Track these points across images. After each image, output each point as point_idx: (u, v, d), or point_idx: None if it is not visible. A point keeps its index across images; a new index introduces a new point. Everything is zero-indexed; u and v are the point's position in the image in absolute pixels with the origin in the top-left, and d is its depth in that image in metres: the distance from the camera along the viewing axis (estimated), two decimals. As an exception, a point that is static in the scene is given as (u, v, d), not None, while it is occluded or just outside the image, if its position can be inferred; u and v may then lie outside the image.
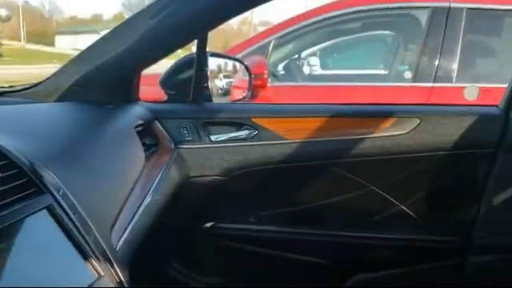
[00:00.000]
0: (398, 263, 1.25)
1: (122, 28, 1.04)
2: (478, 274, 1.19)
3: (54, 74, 1.07)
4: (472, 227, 1.20)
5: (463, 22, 2.48)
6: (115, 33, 1.04)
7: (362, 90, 2.66)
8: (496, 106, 1.21)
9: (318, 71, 3.44)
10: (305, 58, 3.45)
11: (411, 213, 1.24)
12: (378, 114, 1.24)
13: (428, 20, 2.56)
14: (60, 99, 1.03)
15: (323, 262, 1.27)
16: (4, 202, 0.55)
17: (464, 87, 2.36)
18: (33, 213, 0.57)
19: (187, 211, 1.27)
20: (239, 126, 1.26)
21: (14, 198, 0.56)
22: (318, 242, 1.28)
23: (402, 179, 1.22)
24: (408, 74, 2.64)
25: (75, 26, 37.68)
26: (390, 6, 2.83)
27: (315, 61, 3.55)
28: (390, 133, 1.21)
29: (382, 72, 3.11)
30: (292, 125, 1.25)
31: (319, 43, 3.42)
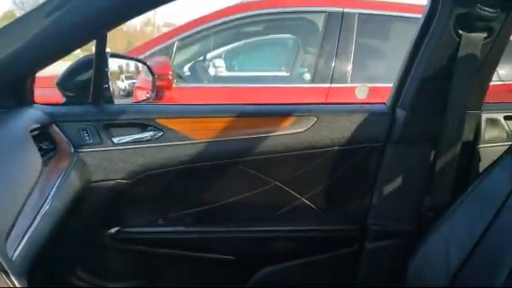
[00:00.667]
0: (301, 254, 1.32)
1: (14, 27, 0.98)
2: (373, 259, 1.30)
3: None
4: (366, 216, 1.30)
5: (356, 27, 2.66)
6: (6, 32, 0.97)
7: (265, 91, 2.74)
8: (384, 103, 1.33)
9: (224, 73, 3.48)
10: (210, 60, 3.47)
11: (312, 205, 1.32)
12: (279, 114, 1.30)
13: (324, 24, 2.71)
14: None
15: (231, 259, 1.30)
16: None
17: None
18: None
19: (91, 217, 1.22)
20: (143, 128, 1.24)
21: None
22: (225, 239, 1.30)
23: (303, 174, 1.29)
24: (307, 76, 2.78)
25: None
26: (289, 10, 2.96)
27: (220, 62, 3.59)
28: (290, 131, 1.27)
29: (284, 74, 3.24)
30: (197, 125, 1.26)
31: (223, 45, 3.46)
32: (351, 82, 2.61)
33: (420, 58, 1.21)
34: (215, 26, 3.01)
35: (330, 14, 2.71)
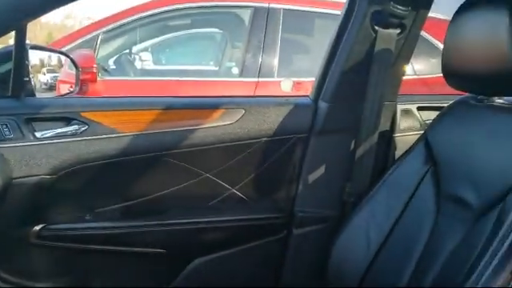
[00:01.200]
0: (232, 243, 1.35)
1: None
2: (300, 244, 1.36)
3: None
4: (293, 204, 1.36)
5: (281, 22, 2.74)
6: None
7: (193, 85, 2.75)
8: (308, 96, 1.40)
9: (151, 66, 3.44)
10: (137, 53, 3.41)
11: (242, 195, 1.35)
12: (208, 107, 1.32)
13: (250, 19, 2.77)
14: None
15: (162, 252, 1.31)
16: None
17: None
18: None
19: (14, 214, 1.18)
20: (67, 122, 1.21)
21: None
22: (156, 232, 1.30)
23: (232, 165, 1.32)
24: (235, 70, 2.83)
25: None
26: (216, 4, 2.98)
27: (147, 56, 3.54)
28: (219, 123, 1.29)
29: (213, 68, 3.26)
30: (125, 118, 1.25)
31: (150, 38, 3.42)
32: (277, 76, 2.70)
33: (340, 52, 1.28)
34: (141, 18, 2.98)
35: (256, 9, 2.77)
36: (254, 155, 1.33)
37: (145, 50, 3.57)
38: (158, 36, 3.43)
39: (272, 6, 2.77)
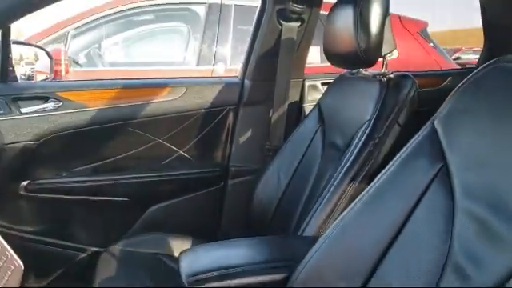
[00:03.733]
0: (181, 193, 1.72)
1: None
2: (234, 192, 1.74)
3: None
4: (228, 160, 1.74)
5: (232, 16, 3.10)
6: None
7: (157, 73, 3.08)
8: (236, 76, 1.77)
9: (120, 59, 3.76)
10: (106, 47, 3.72)
11: (187, 155, 1.73)
12: (157, 86, 1.68)
13: (205, 14, 3.12)
14: None
15: (125, 200, 1.67)
16: None
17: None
18: None
19: (5, 173, 1.52)
20: (45, 100, 1.56)
21: None
22: (120, 184, 1.66)
23: (179, 132, 1.69)
24: (194, 60, 3.18)
25: None
26: (175, 1, 3.32)
27: (117, 49, 3.87)
28: (167, 98, 1.66)
29: (176, 59, 3.59)
30: (92, 95, 1.60)
31: (118, 33, 3.72)
32: (231, 64, 3.06)
33: (257, 42, 1.66)
34: (108, 15, 3.27)
35: (210, 5, 3.12)
36: (195, 123, 1.70)
37: (114, 44, 3.89)
38: (125, 31, 3.74)
39: (224, 1, 3.13)
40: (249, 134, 1.72)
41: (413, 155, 0.78)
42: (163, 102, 1.66)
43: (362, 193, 0.83)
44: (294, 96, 1.72)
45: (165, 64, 3.41)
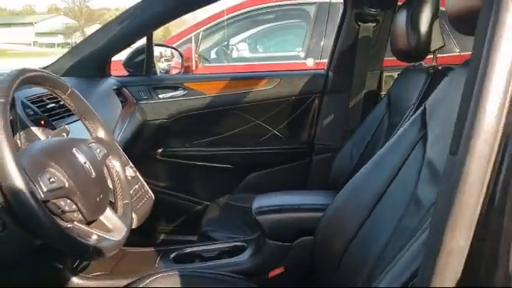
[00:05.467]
0: (274, 164, 2.12)
1: (103, 29, 1.82)
2: (318, 167, 2.08)
3: (58, 60, 1.82)
4: (313, 138, 2.09)
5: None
6: (99, 32, 1.81)
7: (274, 67, 3.53)
8: (323, 69, 2.11)
9: (247, 54, 4.31)
10: (234, 45, 4.31)
11: (280, 134, 2.12)
12: (257, 77, 2.10)
13: (315, 12, 3.48)
14: (63, 75, 1.78)
15: (231, 167, 2.13)
16: None
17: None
18: None
19: (147, 142, 2.07)
20: (176, 88, 2.08)
21: None
22: (228, 155, 2.12)
23: (274, 115, 2.10)
24: (302, 54, 3.56)
25: (7, 18, 36.51)
26: (290, 2, 3.73)
27: (244, 46, 4.44)
28: (265, 88, 2.07)
29: (296, 53, 3.99)
30: (209, 86, 2.09)
31: (244, 32, 4.27)
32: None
33: (339, 40, 1.98)
34: (233, 17, 3.80)
35: (319, 5, 3.47)
36: (286, 108, 2.09)
37: (242, 41, 4.46)
38: (248, 30, 4.28)
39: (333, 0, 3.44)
40: (331, 117, 2.05)
41: (408, 126, 1.06)
42: (261, 90, 2.08)
43: (375, 155, 1.14)
44: (371, 85, 2.00)
45: (288, 58, 3.82)
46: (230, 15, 3.78)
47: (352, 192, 1.14)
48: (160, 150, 2.12)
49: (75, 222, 0.87)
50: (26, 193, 0.73)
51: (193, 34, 3.63)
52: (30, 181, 0.78)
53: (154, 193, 1.41)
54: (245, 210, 1.84)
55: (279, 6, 3.79)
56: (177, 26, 4.36)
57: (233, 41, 4.36)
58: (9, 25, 35.02)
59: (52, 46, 28.67)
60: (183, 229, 2.11)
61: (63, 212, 0.84)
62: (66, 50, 2.24)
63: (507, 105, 0.45)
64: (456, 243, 0.46)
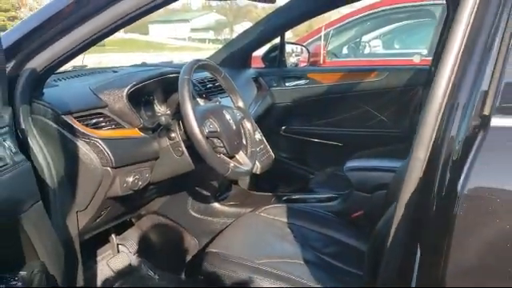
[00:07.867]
0: (378, 145, 2.49)
1: (246, 31, 2.38)
2: None
3: (215, 53, 2.43)
4: (415, 125, 2.41)
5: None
6: (243, 34, 2.39)
7: (396, 62, 3.82)
8: (428, 65, 2.42)
9: (380, 50, 4.63)
10: (367, 41, 4.67)
11: (385, 119, 2.49)
12: (369, 70, 2.50)
13: (441, 12, 3.67)
14: (219, 65, 2.38)
15: (340, 145, 2.56)
16: None
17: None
18: None
19: (274, 120, 2.60)
20: (300, 78, 2.58)
21: None
22: (340, 134, 2.56)
23: (381, 103, 2.47)
24: (425, 51, 3.78)
25: (167, 16, 40.69)
26: (421, 3, 3.96)
27: (377, 42, 4.77)
28: (375, 79, 2.46)
29: (423, 51, 4.20)
30: (329, 76, 2.54)
31: (376, 29, 4.60)
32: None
33: (443, 40, 2.27)
34: (367, 15, 4.14)
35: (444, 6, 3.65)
36: (393, 97, 2.45)
37: (375, 38, 4.80)
38: (379, 28, 4.59)
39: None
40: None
41: None
42: (372, 81, 2.47)
43: None
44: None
45: (405, 55, 4.08)
46: (361, 14, 4.14)
47: None
48: (284, 128, 2.64)
49: (221, 154, 1.42)
50: (197, 132, 1.29)
51: (322, 32, 4.07)
52: (200, 125, 1.33)
53: (276, 161, 1.86)
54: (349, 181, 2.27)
55: (412, 6, 4.05)
56: (316, 23, 4.84)
57: (365, 38, 4.72)
58: (168, 21, 39.17)
59: (203, 41, 31.42)
60: (296, 189, 2.61)
61: (215, 146, 1.39)
62: (215, 46, 2.86)
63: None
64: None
